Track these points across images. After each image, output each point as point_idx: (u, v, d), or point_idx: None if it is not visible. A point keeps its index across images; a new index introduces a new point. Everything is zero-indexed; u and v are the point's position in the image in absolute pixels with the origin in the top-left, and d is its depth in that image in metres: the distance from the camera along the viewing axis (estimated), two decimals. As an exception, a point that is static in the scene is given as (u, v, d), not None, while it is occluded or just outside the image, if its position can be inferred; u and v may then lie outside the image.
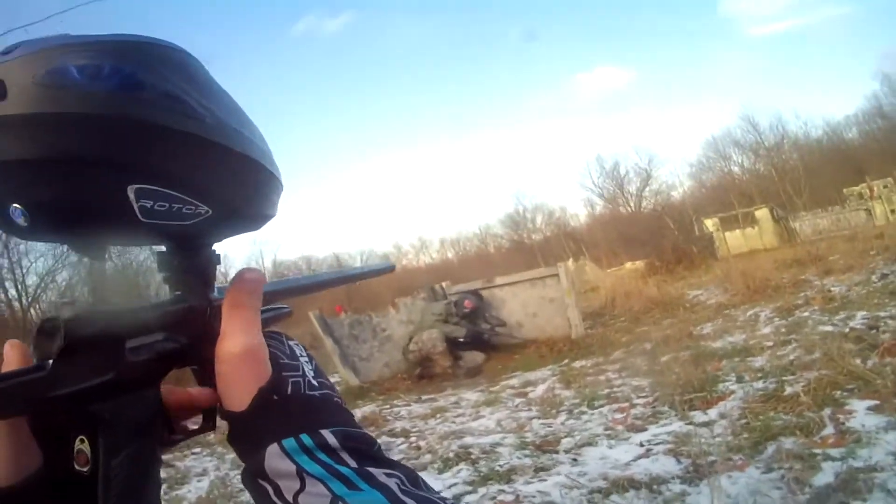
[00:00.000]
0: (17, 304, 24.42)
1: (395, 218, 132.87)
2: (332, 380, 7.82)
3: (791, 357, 7.42)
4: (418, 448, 7.19)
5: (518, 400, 9.07)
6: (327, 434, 0.69)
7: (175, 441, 0.78)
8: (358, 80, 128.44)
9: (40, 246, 18.37)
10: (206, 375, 0.76)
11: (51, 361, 0.63)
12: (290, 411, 0.72)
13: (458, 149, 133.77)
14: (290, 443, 0.68)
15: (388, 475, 0.67)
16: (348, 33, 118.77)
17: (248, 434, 0.71)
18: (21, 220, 0.61)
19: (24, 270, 23.03)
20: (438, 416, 9.02)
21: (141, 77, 0.61)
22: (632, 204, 78.11)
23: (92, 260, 0.68)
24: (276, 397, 0.72)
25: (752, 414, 5.68)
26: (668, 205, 70.39)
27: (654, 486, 4.62)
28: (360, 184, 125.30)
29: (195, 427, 0.81)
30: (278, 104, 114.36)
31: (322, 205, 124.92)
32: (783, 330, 9.51)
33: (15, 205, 0.60)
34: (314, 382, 0.77)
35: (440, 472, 6.12)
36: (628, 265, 37.14)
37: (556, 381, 9.80)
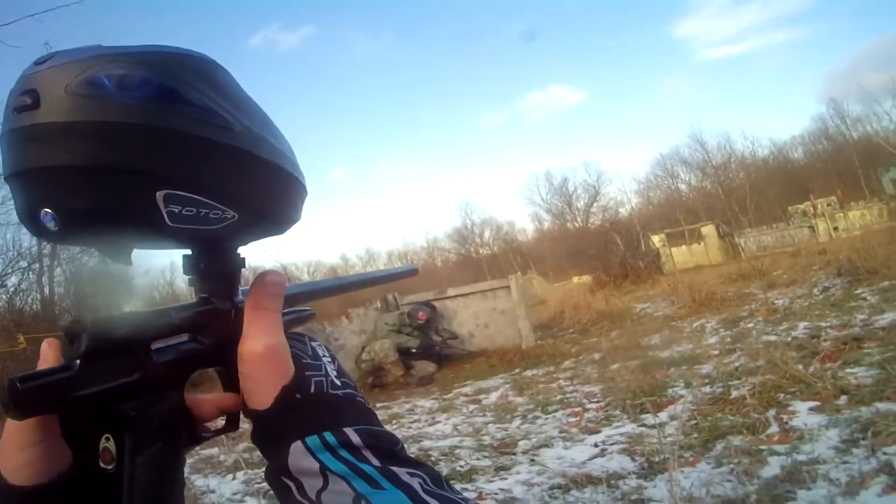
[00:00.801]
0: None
1: (342, 230, 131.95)
2: None
3: (736, 364, 7.69)
4: (377, 452, 7.17)
5: (472, 406, 9.19)
6: (351, 432, 0.70)
7: (199, 440, 0.79)
8: (311, 94, 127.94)
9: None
10: (231, 376, 0.78)
11: (78, 362, 0.64)
12: (313, 410, 0.73)
13: (407, 160, 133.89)
14: (313, 441, 0.69)
15: (411, 474, 0.68)
16: (305, 48, 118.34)
17: (272, 432, 0.72)
18: (51, 225, 0.62)
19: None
20: (394, 421, 9.08)
21: (170, 87, 0.63)
22: (579, 220, 78.56)
23: (117, 263, 0.68)
24: (299, 396, 0.73)
25: (700, 415, 5.92)
26: (616, 221, 70.80)
27: (612, 482, 4.80)
28: (312, 195, 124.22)
29: (218, 427, 0.82)
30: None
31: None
32: (728, 340, 9.81)
33: (46, 209, 0.62)
34: (337, 382, 0.78)
35: (401, 473, 6.17)
36: (575, 279, 37.45)
37: (508, 388, 9.96)
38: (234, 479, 6.32)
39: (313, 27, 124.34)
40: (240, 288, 0.81)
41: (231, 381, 0.78)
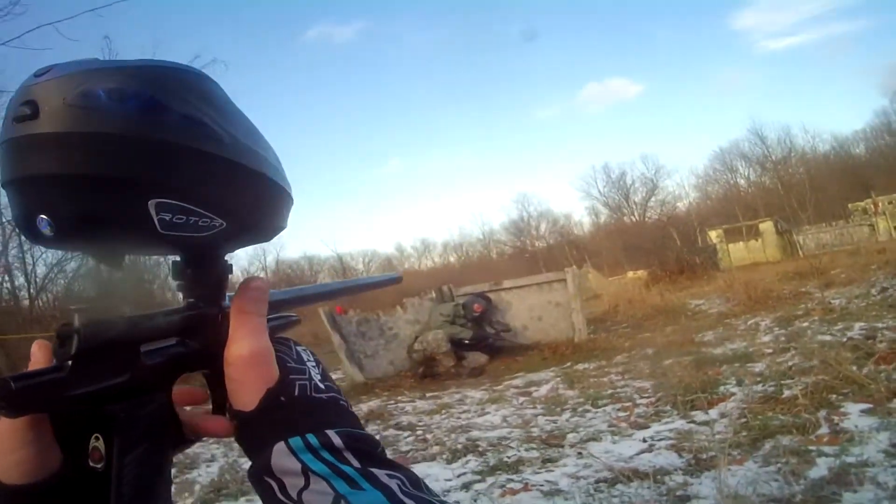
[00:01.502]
0: (24, 294, 24.50)
1: (398, 220, 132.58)
2: (336, 376, 7.93)
3: (790, 363, 7.59)
4: (425, 441, 7.33)
5: (522, 398, 9.21)
6: (332, 434, 0.73)
7: (186, 442, 0.81)
8: (367, 86, 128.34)
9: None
10: (218, 379, 0.80)
11: (69, 363, 0.66)
12: (296, 412, 0.75)
13: (465, 153, 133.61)
14: (296, 441, 0.71)
15: (389, 476, 0.70)
16: (359, 40, 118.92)
17: (256, 433, 0.75)
18: (47, 231, 0.64)
19: (34, 260, 23.05)
20: (444, 411, 9.16)
21: (162, 100, 0.65)
22: (636, 214, 77.99)
23: (109, 268, 0.71)
24: (283, 398, 0.76)
25: (751, 414, 5.87)
26: (673, 216, 70.20)
27: (658, 477, 4.80)
28: (365, 185, 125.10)
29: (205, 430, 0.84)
30: (289, 107, 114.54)
31: (327, 205, 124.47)
32: (783, 338, 9.68)
33: (42, 216, 0.64)
34: (321, 385, 0.80)
35: (449, 462, 6.28)
36: (630, 274, 37.16)
37: (559, 381, 9.94)
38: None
39: (367, 20, 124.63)
40: (227, 294, 0.84)
41: (218, 384, 0.81)
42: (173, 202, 0.66)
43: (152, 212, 0.65)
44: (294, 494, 0.69)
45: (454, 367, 12.77)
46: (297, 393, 0.77)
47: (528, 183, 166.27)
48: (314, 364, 0.84)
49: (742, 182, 74.81)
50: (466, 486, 5.48)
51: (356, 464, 0.71)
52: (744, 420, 5.78)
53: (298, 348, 0.86)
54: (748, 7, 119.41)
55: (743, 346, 9.68)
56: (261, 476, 0.71)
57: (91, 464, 0.69)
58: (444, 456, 6.50)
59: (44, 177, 0.63)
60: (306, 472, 0.69)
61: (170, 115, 0.65)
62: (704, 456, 5.12)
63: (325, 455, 0.71)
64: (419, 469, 6.13)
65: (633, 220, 76.58)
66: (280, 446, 0.71)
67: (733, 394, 6.91)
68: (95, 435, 0.69)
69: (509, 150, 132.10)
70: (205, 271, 0.81)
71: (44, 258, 22.94)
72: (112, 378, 0.68)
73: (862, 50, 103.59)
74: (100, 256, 0.71)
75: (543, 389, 9.57)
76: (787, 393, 6.30)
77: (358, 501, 0.66)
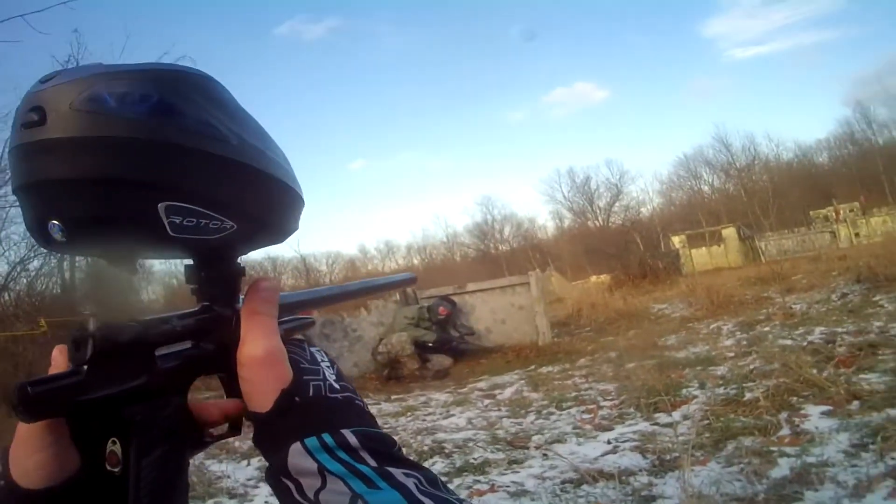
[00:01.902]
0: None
1: (362, 221, 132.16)
2: None
3: (751, 367, 7.70)
4: (391, 443, 7.25)
5: (487, 401, 9.26)
6: (348, 434, 0.72)
7: (203, 445, 0.81)
8: (334, 86, 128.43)
9: (14, 235, 17.76)
10: (233, 381, 0.79)
11: (85, 367, 0.66)
12: (311, 412, 0.74)
13: (428, 154, 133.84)
14: (312, 442, 0.70)
15: (406, 475, 0.69)
16: (330, 38, 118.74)
17: (272, 434, 0.74)
18: (59, 235, 0.64)
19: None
20: (409, 414, 9.20)
21: (169, 103, 0.65)
22: (600, 219, 78.34)
23: (124, 271, 0.70)
24: (297, 399, 0.75)
25: (713, 416, 5.96)
26: (637, 221, 70.63)
27: (623, 478, 4.86)
28: (329, 186, 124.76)
29: (222, 432, 0.83)
30: (254, 102, 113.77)
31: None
32: (744, 342, 9.83)
33: (53, 220, 0.64)
34: (336, 385, 0.79)
35: (415, 464, 6.25)
36: (594, 278, 37.37)
37: (523, 384, 10.02)
38: (248, 465, 6.39)
39: (340, 19, 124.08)
40: (240, 296, 0.83)
41: (233, 386, 0.80)
42: (183, 205, 0.66)
43: (162, 215, 0.65)
44: (311, 495, 0.68)
45: (418, 370, 12.80)
46: (311, 393, 0.76)
47: (492, 186, 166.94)
48: (328, 364, 0.84)
49: (706, 188, 75.56)
50: (433, 488, 5.46)
51: (373, 463, 0.70)
52: (706, 422, 5.85)
53: (312, 349, 0.86)
54: (719, 15, 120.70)
55: (705, 350, 9.80)
56: (278, 477, 0.71)
57: (108, 467, 0.69)
58: (411, 457, 6.45)
59: (53, 181, 0.63)
60: (323, 472, 0.69)
61: (177, 118, 0.65)
62: (668, 457, 5.18)
63: (342, 455, 0.70)
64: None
65: (597, 224, 76.95)
66: (296, 447, 0.70)
67: (696, 396, 7.01)
68: (112, 439, 0.69)
69: (474, 152, 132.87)
70: (217, 274, 0.81)
71: (6, 256, 22.68)
72: (128, 381, 0.69)
73: (828, 60, 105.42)
74: (112, 260, 0.70)
75: (508, 392, 9.63)
76: (748, 395, 6.38)
77: (375, 500, 0.66)
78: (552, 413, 7.71)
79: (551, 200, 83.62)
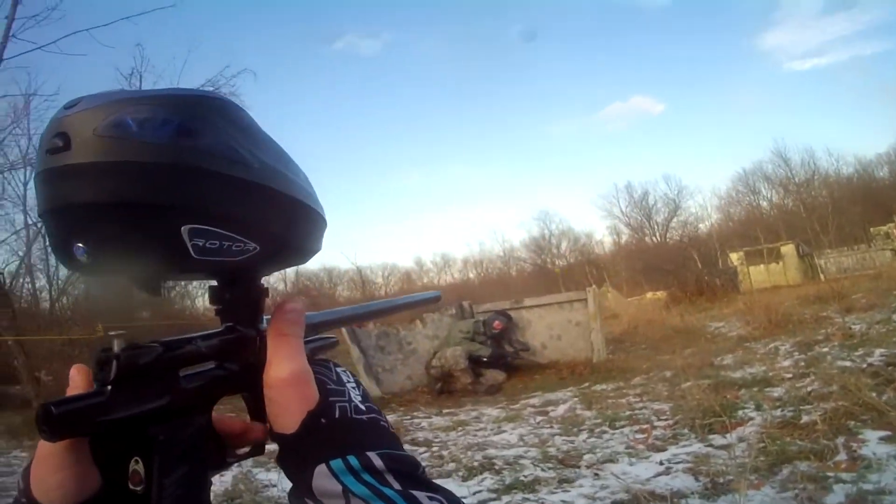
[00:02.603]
0: (44, 295, 24.70)
1: (419, 234, 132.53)
2: None
3: (809, 388, 7.56)
4: (441, 457, 7.34)
5: (539, 418, 9.21)
6: (373, 456, 0.73)
7: (226, 465, 0.82)
8: (391, 99, 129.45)
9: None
10: (257, 402, 0.81)
11: (109, 387, 0.67)
12: (337, 434, 0.75)
13: (487, 168, 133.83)
14: (337, 464, 0.72)
15: (430, 498, 0.71)
16: (386, 53, 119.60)
17: (297, 455, 0.75)
18: (84, 258, 0.66)
19: (57, 262, 23.13)
20: (460, 428, 9.17)
21: (191, 127, 0.66)
22: (658, 234, 77.79)
23: (149, 294, 0.72)
24: (323, 420, 0.76)
25: (769, 439, 5.85)
26: (695, 237, 70.05)
27: (674, 500, 4.80)
28: (387, 198, 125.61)
29: (245, 451, 0.85)
30: (313, 118, 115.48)
31: (348, 217, 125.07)
32: (802, 363, 9.62)
33: (78, 244, 0.65)
34: (361, 407, 0.81)
35: (464, 479, 6.28)
36: (650, 295, 37.11)
37: (577, 401, 9.95)
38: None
39: (394, 33, 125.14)
40: (264, 316, 0.84)
41: (257, 406, 0.81)
42: (206, 227, 0.67)
43: (186, 237, 0.66)
44: None
45: (471, 385, 12.75)
46: (337, 415, 0.77)
47: (550, 200, 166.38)
48: (354, 385, 0.85)
49: (764, 204, 74.62)
50: (482, 504, 5.48)
51: (397, 486, 0.71)
52: (762, 445, 5.74)
53: (338, 369, 0.87)
54: (776, 27, 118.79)
55: (762, 371, 9.62)
56: (302, 499, 0.73)
57: (131, 486, 0.70)
58: (460, 473, 6.50)
59: (78, 205, 0.64)
60: (347, 494, 0.70)
61: (199, 142, 0.66)
62: (721, 480, 5.11)
63: (366, 477, 0.71)
64: (435, 486, 6.17)
65: (655, 240, 76.39)
66: (321, 468, 0.72)
67: (752, 418, 6.89)
68: (135, 458, 0.70)
69: (532, 166, 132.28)
70: (241, 295, 0.82)
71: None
72: (151, 402, 0.69)
73: (888, 71, 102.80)
74: (138, 283, 0.72)
75: (561, 409, 9.56)
76: (805, 418, 6.27)
77: None
78: (605, 432, 7.65)
79: (609, 215, 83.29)
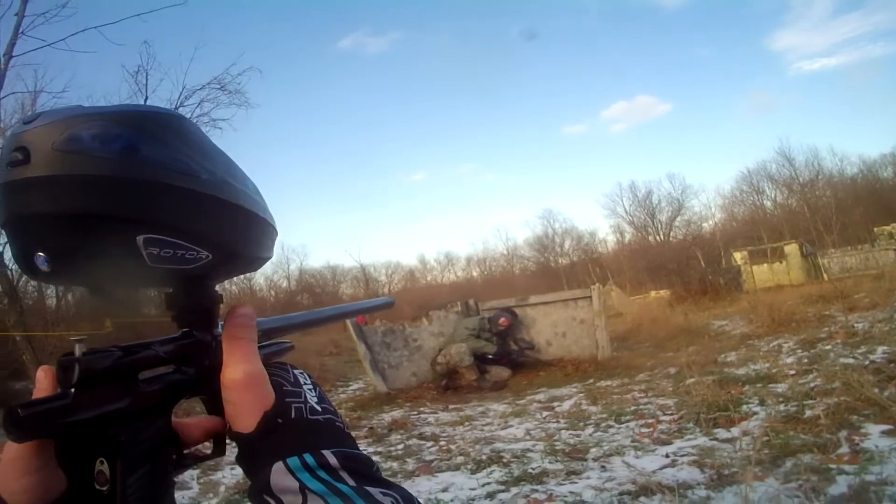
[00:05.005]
0: (50, 292, 24.74)
1: (422, 232, 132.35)
2: (359, 385, 8.21)
3: (812, 384, 7.65)
4: (449, 451, 7.41)
5: (545, 413, 9.31)
6: (328, 454, 0.76)
7: (187, 465, 0.85)
8: (396, 98, 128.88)
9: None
10: (215, 404, 0.84)
11: (72, 390, 0.70)
12: (293, 433, 0.78)
13: (490, 167, 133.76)
14: (293, 461, 0.74)
15: (384, 494, 0.73)
16: (392, 51, 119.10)
17: (255, 454, 0.78)
18: (45, 267, 0.68)
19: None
20: (466, 423, 9.27)
21: (142, 142, 0.69)
22: (661, 233, 77.61)
23: (106, 302, 0.76)
24: (280, 420, 0.79)
25: (773, 433, 5.94)
26: (699, 236, 69.91)
27: (681, 491, 4.90)
28: (390, 197, 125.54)
29: (206, 452, 0.89)
30: (318, 115, 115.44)
31: (352, 215, 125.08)
32: (805, 360, 9.70)
33: (39, 253, 0.68)
34: (317, 408, 0.84)
35: (473, 472, 6.38)
36: (653, 293, 37.10)
37: (582, 397, 10.04)
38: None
39: (401, 31, 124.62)
40: (219, 321, 0.88)
41: (216, 408, 0.84)
42: (160, 237, 0.70)
43: (141, 246, 0.69)
44: None
45: (476, 381, 12.84)
46: (293, 415, 0.81)
47: (553, 199, 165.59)
48: (311, 387, 0.89)
49: (768, 204, 74.37)
50: (491, 496, 5.58)
51: (352, 482, 0.74)
52: (766, 438, 5.82)
53: (295, 371, 0.91)
54: (787, 27, 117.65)
55: (765, 367, 9.67)
56: (261, 495, 0.75)
57: (97, 486, 0.73)
58: (469, 466, 6.59)
59: (37, 216, 0.67)
60: (304, 490, 0.72)
61: (149, 155, 0.69)
62: (727, 472, 5.21)
63: (321, 474, 0.74)
64: (443, 478, 6.27)
65: (658, 239, 76.15)
66: (278, 466, 0.75)
67: (755, 413, 7.00)
68: (100, 459, 0.73)
69: (535, 166, 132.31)
70: (196, 301, 0.85)
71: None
72: (113, 404, 0.72)
73: (894, 72, 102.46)
74: (96, 291, 0.76)
75: (566, 404, 9.66)
76: (808, 413, 6.38)
77: None
78: (611, 426, 7.76)
79: (612, 214, 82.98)
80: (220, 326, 0.87)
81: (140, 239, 0.69)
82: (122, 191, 0.67)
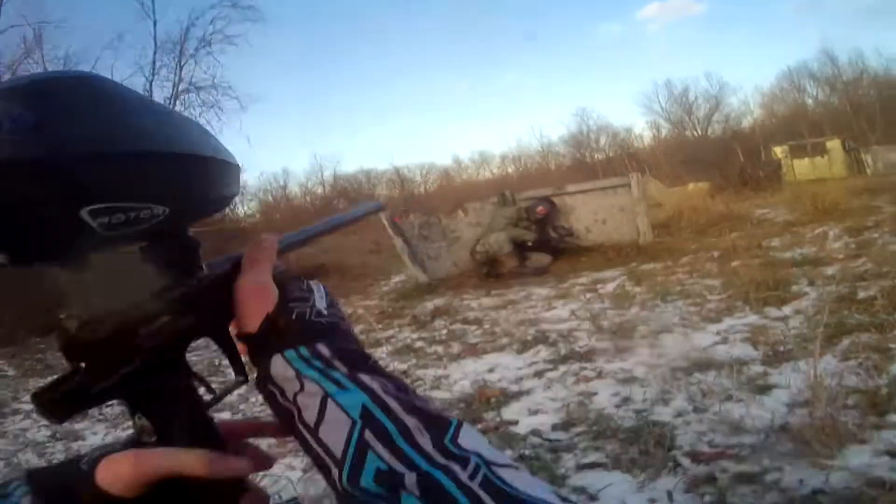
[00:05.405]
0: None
1: (456, 132, 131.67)
2: (400, 278, 8.35)
3: (863, 268, 7.59)
4: (493, 333, 7.47)
5: (589, 294, 9.32)
6: (322, 346, 0.81)
7: (218, 397, 0.89)
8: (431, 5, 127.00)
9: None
10: (221, 340, 0.89)
11: (83, 364, 0.71)
12: (291, 331, 0.83)
13: (524, 64, 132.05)
14: (290, 353, 0.79)
15: (373, 379, 0.78)
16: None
17: (259, 349, 0.83)
18: (2, 258, 0.65)
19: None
20: (510, 307, 9.30)
21: (51, 113, 0.64)
22: (699, 129, 76.72)
23: (78, 280, 0.71)
24: (281, 320, 0.84)
25: (827, 312, 5.85)
26: (738, 131, 69.00)
27: (736, 367, 4.84)
28: (422, 96, 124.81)
29: (229, 385, 0.92)
30: (353, 21, 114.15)
31: (383, 118, 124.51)
32: (853, 246, 9.62)
33: None
34: (324, 312, 0.88)
35: (519, 352, 6.41)
36: (691, 185, 36.77)
37: (626, 279, 10.02)
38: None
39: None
40: (203, 264, 0.88)
41: (223, 344, 0.89)
42: (104, 205, 0.66)
43: (88, 220, 0.65)
44: (291, 398, 0.77)
45: (517, 267, 12.85)
46: (294, 317, 0.84)
47: (588, 99, 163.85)
48: (322, 296, 0.92)
49: (810, 102, 73.04)
50: (539, 374, 5.59)
51: (344, 370, 0.78)
52: (819, 317, 5.74)
53: (311, 282, 0.95)
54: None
55: (813, 251, 9.61)
56: (265, 384, 0.80)
57: (145, 439, 0.76)
58: (514, 347, 6.62)
59: None
60: (300, 377, 0.77)
61: (63, 126, 0.64)
62: (781, 349, 5.13)
63: (316, 363, 0.79)
64: (490, 359, 6.30)
65: (696, 134, 75.28)
66: (277, 357, 0.79)
67: (806, 293, 6.91)
68: (138, 415, 0.76)
69: (570, 66, 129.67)
70: (171, 253, 0.83)
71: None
72: (124, 367, 0.73)
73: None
74: (61, 273, 0.72)
75: (610, 286, 9.65)
76: (862, 294, 6.28)
77: (343, 399, 0.75)
78: (657, 306, 7.73)
79: (648, 111, 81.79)
80: (204, 266, 0.89)
81: (84, 213, 0.64)
82: (42, 170, 0.62)
